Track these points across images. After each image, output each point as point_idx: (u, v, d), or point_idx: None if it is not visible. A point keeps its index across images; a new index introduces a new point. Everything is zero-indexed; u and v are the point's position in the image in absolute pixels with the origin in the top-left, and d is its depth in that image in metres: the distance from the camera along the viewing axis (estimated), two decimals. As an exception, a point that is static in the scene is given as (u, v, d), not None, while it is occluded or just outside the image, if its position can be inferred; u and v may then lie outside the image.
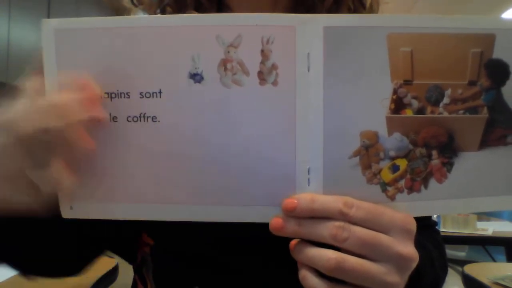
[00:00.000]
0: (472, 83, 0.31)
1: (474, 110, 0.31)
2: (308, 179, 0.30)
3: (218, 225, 0.32)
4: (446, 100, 0.31)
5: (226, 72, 0.30)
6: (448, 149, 0.31)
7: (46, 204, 0.29)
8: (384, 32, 0.29)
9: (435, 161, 0.31)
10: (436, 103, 0.31)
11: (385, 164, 0.31)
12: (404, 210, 0.31)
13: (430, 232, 0.49)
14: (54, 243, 0.39)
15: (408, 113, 0.30)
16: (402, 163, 0.31)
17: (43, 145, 0.27)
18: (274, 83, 0.30)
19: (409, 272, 0.30)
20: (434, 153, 0.31)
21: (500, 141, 0.32)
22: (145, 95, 0.30)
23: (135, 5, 0.46)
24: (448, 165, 0.32)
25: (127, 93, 0.30)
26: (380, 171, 0.31)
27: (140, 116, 0.30)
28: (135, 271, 0.51)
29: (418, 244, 0.30)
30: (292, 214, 0.29)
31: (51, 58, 0.30)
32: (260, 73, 0.30)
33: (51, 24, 0.30)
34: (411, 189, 0.31)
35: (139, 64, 0.30)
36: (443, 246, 0.48)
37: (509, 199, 0.33)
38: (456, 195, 0.32)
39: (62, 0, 2.88)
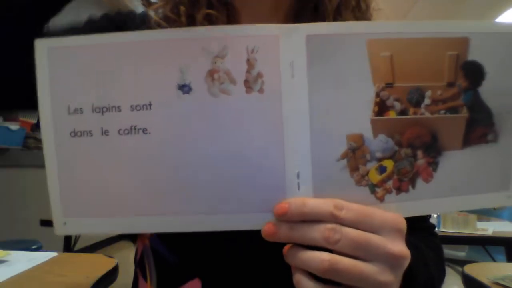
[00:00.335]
0: (450, 84, 0.32)
1: (454, 110, 0.32)
2: (298, 184, 0.31)
3: None
4: (427, 101, 0.32)
5: (214, 82, 0.30)
6: (432, 148, 0.32)
7: None
8: (363, 38, 0.31)
9: (421, 161, 0.32)
10: (417, 104, 0.32)
11: (372, 166, 0.31)
12: (393, 211, 0.31)
13: (427, 235, 0.49)
14: None
15: (392, 115, 0.31)
16: (389, 164, 0.32)
17: None
18: (260, 90, 0.30)
19: (402, 271, 0.30)
20: (419, 153, 0.32)
21: (481, 139, 0.33)
22: (136, 107, 0.31)
23: (146, 5, 0.46)
24: (433, 164, 0.32)
25: (118, 106, 0.31)
26: (367, 172, 0.31)
27: (131, 129, 0.31)
28: (137, 265, 0.51)
29: (409, 244, 0.31)
30: (283, 218, 0.30)
31: (44, 75, 0.31)
32: (246, 82, 0.30)
33: (45, 43, 0.31)
34: (399, 190, 0.32)
35: (129, 78, 0.31)
36: (441, 248, 0.48)
37: (496, 197, 0.34)
38: (444, 194, 0.33)
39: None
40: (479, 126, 0.33)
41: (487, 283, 0.79)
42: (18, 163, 2.45)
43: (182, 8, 0.45)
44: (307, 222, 0.29)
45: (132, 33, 0.31)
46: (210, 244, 0.43)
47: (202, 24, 0.44)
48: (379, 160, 0.32)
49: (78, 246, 2.33)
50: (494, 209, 2.29)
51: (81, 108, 0.31)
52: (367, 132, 0.31)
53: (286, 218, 0.30)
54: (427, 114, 0.32)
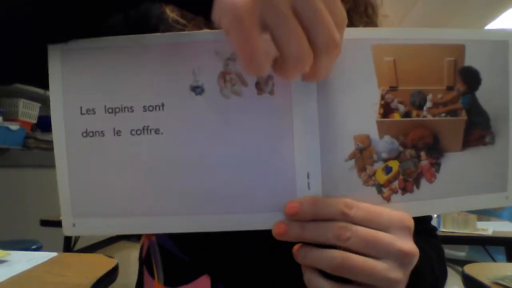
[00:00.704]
0: (449, 88, 0.33)
1: (454, 112, 0.34)
2: (308, 183, 0.31)
3: None
4: (428, 104, 0.33)
5: (226, 84, 0.31)
6: (435, 150, 0.33)
7: None
8: (368, 43, 0.32)
9: (424, 162, 0.33)
10: (420, 107, 0.33)
11: (378, 166, 0.32)
12: (400, 211, 0.32)
13: (429, 237, 0.49)
14: None
15: (396, 117, 0.33)
16: (394, 165, 0.33)
17: None
18: (271, 92, 0.31)
19: (411, 268, 0.31)
20: (423, 154, 0.33)
21: (480, 141, 0.34)
22: (148, 108, 0.31)
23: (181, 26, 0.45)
24: (436, 165, 0.34)
25: (130, 107, 0.31)
26: (374, 172, 0.32)
27: (143, 129, 0.31)
28: (143, 262, 0.51)
29: (417, 246, 0.31)
30: (294, 218, 0.30)
31: (57, 77, 0.31)
32: (257, 84, 0.31)
33: (58, 45, 0.31)
34: (404, 190, 0.33)
35: (142, 79, 0.31)
36: (442, 250, 0.48)
37: (495, 197, 0.35)
38: (447, 194, 0.34)
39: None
40: (477, 129, 0.34)
41: (487, 283, 0.79)
42: (18, 163, 2.45)
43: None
44: (318, 221, 0.30)
45: (145, 36, 0.31)
46: (219, 241, 0.43)
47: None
48: (385, 160, 0.32)
49: (78, 246, 2.33)
50: (494, 209, 2.29)
51: (93, 109, 0.31)
52: (374, 133, 0.32)
53: (297, 218, 0.30)
54: (429, 117, 0.33)
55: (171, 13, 0.45)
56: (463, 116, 0.34)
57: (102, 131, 0.31)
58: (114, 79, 0.31)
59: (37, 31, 0.30)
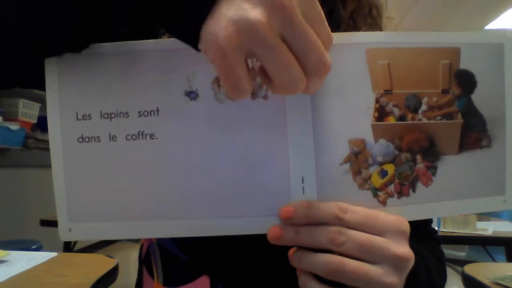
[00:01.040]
0: (445, 91, 0.33)
1: (450, 116, 0.34)
2: (303, 188, 0.31)
3: None
4: (423, 107, 0.33)
5: (220, 89, 0.31)
6: (430, 153, 0.33)
7: None
8: (363, 47, 0.32)
9: (420, 165, 0.33)
10: (415, 110, 0.33)
11: (374, 170, 0.32)
12: (396, 215, 0.32)
13: (429, 240, 0.49)
14: None
15: (391, 120, 0.33)
16: (390, 168, 0.33)
17: None
18: (265, 97, 0.31)
19: (406, 273, 0.31)
20: (418, 157, 0.33)
21: (476, 145, 0.34)
22: (143, 113, 0.31)
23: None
24: (432, 168, 0.33)
25: (126, 112, 0.31)
26: (370, 176, 0.32)
27: (138, 134, 0.31)
28: (142, 261, 0.51)
29: (412, 249, 0.31)
30: (289, 222, 0.30)
31: (54, 83, 0.31)
32: None
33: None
34: (400, 193, 0.33)
35: (137, 84, 0.31)
36: (442, 253, 0.48)
37: (492, 201, 0.35)
38: (443, 198, 0.34)
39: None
40: (473, 132, 0.34)
41: (487, 283, 0.79)
42: (18, 163, 2.45)
43: None
44: (312, 225, 0.30)
45: (141, 42, 0.31)
46: (219, 241, 0.43)
47: None
48: (381, 164, 0.32)
49: (78, 246, 2.33)
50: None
51: (89, 114, 0.31)
52: (369, 137, 0.32)
53: (291, 222, 0.30)
54: (424, 120, 0.33)
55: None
56: (459, 119, 0.34)
57: (98, 136, 0.31)
58: (109, 84, 0.31)
59: (37, 31, 0.30)
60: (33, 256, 0.85)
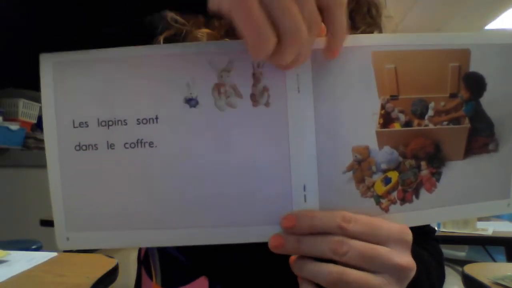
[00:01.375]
0: (453, 96, 0.32)
1: (457, 121, 0.33)
2: (305, 196, 0.31)
3: None
4: (430, 112, 0.32)
5: (220, 96, 0.31)
6: (436, 159, 0.33)
7: None
8: (368, 50, 0.31)
9: (424, 172, 0.32)
10: (421, 116, 0.32)
11: (377, 177, 0.32)
12: (398, 221, 0.31)
13: (428, 240, 0.49)
14: None
15: (397, 126, 0.32)
16: (394, 175, 0.32)
17: None
18: (267, 104, 0.31)
19: (407, 282, 0.31)
20: (423, 164, 0.32)
21: (483, 149, 0.34)
22: (142, 121, 0.31)
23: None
24: (436, 174, 0.33)
25: (124, 120, 0.31)
26: (373, 184, 0.32)
27: (137, 142, 0.31)
28: (141, 262, 0.51)
29: (414, 255, 0.31)
30: (291, 231, 0.30)
31: (49, 89, 0.31)
32: (252, 95, 0.31)
33: (50, 57, 0.31)
34: (403, 200, 0.32)
35: (136, 91, 0.31)
36: (441, 254, 0.48)
37: (496, 205, 0.34)
38: (446, 203, 0.33)
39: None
40: (480, 136, 0.33)
41: (487, 283, 0.79)
42: (18, 163, 2.45)
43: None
44: (315, 235, 0.29)
45: (139, 48, 0.31)
46: (218, 245, 0.43)
47: (219, 22, 0.44)
48: (384, 171, 0.32)
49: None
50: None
51: (86, 122, 0.31)
52: (373, 144, 0.31)
53: (294, 231, 0.30)
54: (431, 126, 0.32)
55: (169, 11, 0.45)
56: (466, 123, 0.33)
57: (95, 144, 0.31)
58: (107, 91, 0.31)
59: (37, 31, 0.30)
60: (33, 256, 0.85)
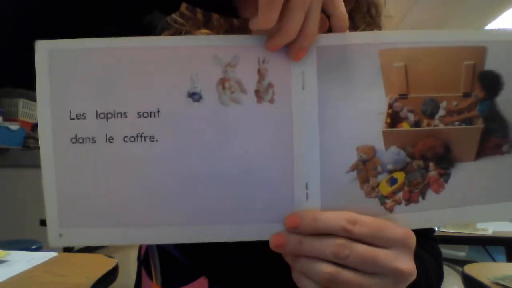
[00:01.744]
0: (466, 95, 0.31)
1: (469, 121, 0.32)
2: (307, 194, 0.30)
3: None
4: (441, 112, 0.31)
5: (225, 91, 0.30)
6: (445, 160, 0.32)
7: None
8: (375, 49, 0.30)
9: (432, 173, 0.32)
10: (432, 116, 0.31)
11: (383, 178, 0.31)
12: (403, 221, 0.31)
13: (427, 239, 0.49)
14: None
15: (405, 126, 0.31)
16: (400, 176, 0.31)
17: None
18: (271, 100, 0.30)
19: (406, 285, 0.30)
20: (431, 165, 0.31)
21: (496, 150, 0.32)
22: (143, 114, 0.30)
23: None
24: (445, 176, 0.32)
25: (124, 113, 0.30)
26: (378, 184, 0.31)
27: (137, 136, 0.30)
28: (141, 262, 0.51)
29: (415, 256, 0.31)
30: (294, 231, 0.29)
31: (44, 78, 0.30)
32: (257, 92, 0.30)
33: (45, 45, 0.29)
34: (409, 201, 0.31)
35: (137, 84, 0.30)
36: (440, 253, 0.48)
37: (506, 207, 0.33)
38: (453, 204, 0.32)
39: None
40: (494, 137, 0.32)
41: (487, 283, 0.78)
42: (18, 163, 2.45)
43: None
44: (317, 236, 0.29)
45: (141, 39, 0.30)
46: (217, 244, 0.43)
47: (218, 21, 0.44)
48: (390, 172, 0.31)
49: (78, 246, 2.33)
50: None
51: (84, 114, 0.30)
52: (379, 144, 0.31)
53: (297, 231, 0.29)
54: (441, 126, 0.31)
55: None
56: (480, 124, 0.32)
57: (93, 137, 0.30)
58: (106, 82, 0.30)
59: (37, 31, 0.30)
60: (33, 256, 0.85)
